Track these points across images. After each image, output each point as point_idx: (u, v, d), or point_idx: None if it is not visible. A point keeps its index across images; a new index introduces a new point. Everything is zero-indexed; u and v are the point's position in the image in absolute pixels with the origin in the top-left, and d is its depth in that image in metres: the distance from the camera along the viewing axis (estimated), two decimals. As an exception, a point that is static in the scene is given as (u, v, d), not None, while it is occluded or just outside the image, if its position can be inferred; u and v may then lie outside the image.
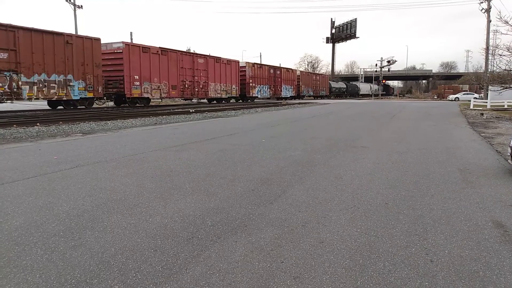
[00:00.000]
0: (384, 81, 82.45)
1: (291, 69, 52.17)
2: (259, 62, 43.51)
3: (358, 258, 2.89)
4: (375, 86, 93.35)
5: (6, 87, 18.05)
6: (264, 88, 43.43)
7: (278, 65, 49.64)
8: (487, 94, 31.17)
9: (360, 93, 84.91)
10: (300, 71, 56.47)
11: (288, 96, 49.86)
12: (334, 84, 72.79)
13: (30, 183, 5.05)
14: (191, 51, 43.05)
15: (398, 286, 2.49)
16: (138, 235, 3.30)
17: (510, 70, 21.76)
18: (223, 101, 36.56)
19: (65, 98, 21.22)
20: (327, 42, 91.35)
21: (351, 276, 2.61)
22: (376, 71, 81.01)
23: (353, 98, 73.92)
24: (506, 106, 27.36)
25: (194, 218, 3.75)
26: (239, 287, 2.47)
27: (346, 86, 78.05)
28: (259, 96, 42.63)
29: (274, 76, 45.96)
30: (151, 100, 28.45)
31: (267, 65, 44.99)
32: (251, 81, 40.66)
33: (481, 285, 2.51)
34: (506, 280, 2.57)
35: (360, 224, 3.60)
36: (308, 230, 3.46)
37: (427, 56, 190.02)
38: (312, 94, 58.98)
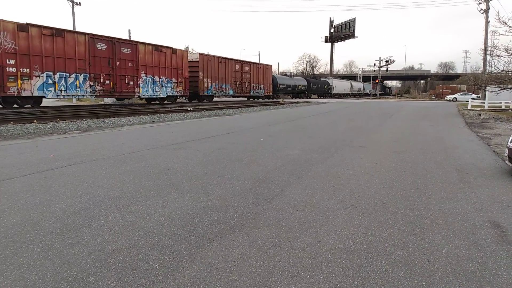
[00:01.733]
0: (377, 81, 78.76)
1: (169, 47, 28.11)
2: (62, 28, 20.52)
3: (356, 257, 2.89)
4: (359, 85, 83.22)
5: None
6: (73, 80, 21.01)
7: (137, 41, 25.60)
8: (485, 94, 31.25)
9: (334, 92, 69.81)
10: (201, 54, 32.84)
11: (163, 96, 28.11)
12: (283, 80, 52.46)
13: (27, 180, 5.03)
14: (190, 49, 42.87)
15: (395, 285, 2.49)
16: (135, 233, 3.29)
17: (508, 71, 21.80)
18: None
19: None
20: (326, 41, 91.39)
21: (348, 276, 2.61)
22: (374, 70, 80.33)
23: (322, 98, 61.17)
24: (503, 107, 27.45)
25: (192, 216, 3.74)
26: (236, 285, 2.46)
27: (308, 83, 59.89)
28: (49, 96, 20.57)
29: (114, 58, 23.41)
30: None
31: (90, 35, 21.87)
32: (12, 62, 18.25)
33: (478, 285, 2.51)
34: (503, 280, 2.58)
35: (358, 224, 3.61)
36: (305, 229, 3.46)
37: (425, 56, 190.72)
38: (232, 93, 37.58)
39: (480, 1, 36.91)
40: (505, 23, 19.15)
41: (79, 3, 40.37)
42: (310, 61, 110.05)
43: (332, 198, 4.44)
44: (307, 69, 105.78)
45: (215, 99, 37.21)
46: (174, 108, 22.06)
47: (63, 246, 2.99)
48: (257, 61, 44.94)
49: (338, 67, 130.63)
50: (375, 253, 2.96)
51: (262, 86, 43.48)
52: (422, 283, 2.52)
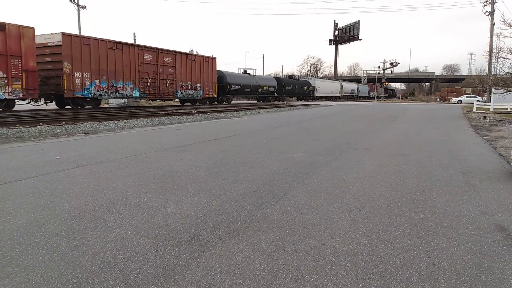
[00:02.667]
0: (387, 83, 77.37)
1: None
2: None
3: (360, 260, 2.88)
4: (352, 86, 75.08)
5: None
6: None
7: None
8: (490, 97, 31.09)
9: (318, 94, 60.07)
10: (66, 35, 21.46)
11: None
12: (236, 79, 39.48)
13: (33, 183, 5.06)
14: (194, 52, 42.48)
15: (400, 289, 2.48)
16: (139, 235, 3.30)
17: (514, 73, 21.68)
18: None
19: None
20: (330, 44, 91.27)
21: (353, 279, 2.60)
22: (379, 73, 79.85)
23: (302, 101, 51.83)
24: (509, 109, 27.26)
25: (196, 219, 3.75)
26: (240, 288, 2.46)
27: (280, 83, 48.43)
28: None
29: None
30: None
31: None
32: None
33: (484, 289, 2.49)
34: (509, 284, 2.56)
35: (362, 227, 3.59)
36: (309, 232, 3.45)
37: (430, 58, 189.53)
38: (138, 94, 26.12)
39: (485, 4, 36.81)
40: (511, 25, 19.08)
41: (85, 6, 40.69)
42: (314, 63, 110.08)
43: (337, 201, 4.43)
44: (312, 71, 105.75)
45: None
46: (178, 111, 22.14)
47: (68, 249, 3.00)
48: (201, 53, 32.06)
49: (343, 69, 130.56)
50: (379, 256, 2.95)
51: (198, 85, 31.37)
52: (427, 286, 2.51)
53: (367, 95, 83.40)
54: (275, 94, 47.88)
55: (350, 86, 74.59)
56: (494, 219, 3.86)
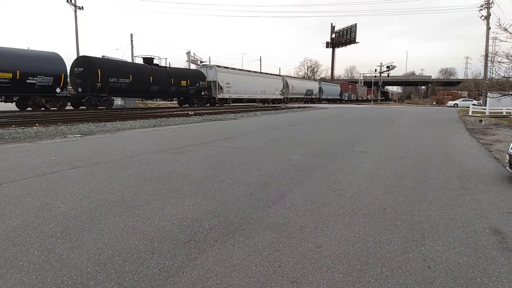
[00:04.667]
0: (383, 86, 76.80)
1: None
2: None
3: (356, 263, 2.88)
4: (309, 85, 55.81)
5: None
6: None
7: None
8: (486, 101, 31.28)
9: (228, 96, 37.19)
10: None
11: None
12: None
13: (28, 184, 5.04)
14: (192, 54, 42.14)
15: (395, 292, 2.49)
16: (135, 237, 3.29)
17: (509, 77, 21.85)
18: None
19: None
20: (327, 46, 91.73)
21: (348, 281, 2.60)
22: (375, 76, 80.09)
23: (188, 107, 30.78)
24: (504, 113, 27.44)
25: (192, 221, 3.74)
26: (236, 291, 2.46)
27: (91, 70, 23.97)
28: None
29: None
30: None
31: None
32: None
33: (478, 292, 2.50)
34: (503, 287, 2.57)
35: (358, 229, 3.60)
36: (305, 234, 3.46)
37: (427, 62, 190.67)
38: None
39: (481, 8, 37.11)
40: (506, 30, 19.23)
41: (82, 7, 40.61)
42: (311, 66, 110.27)
43: (333, 204, 4.43)
44: (308, 74, 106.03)
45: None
46: (175, 113, 22.12)
47: (63, 250, 2.99)
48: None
49: (339, 72, 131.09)
50: (375, 259, 2.95)
51: None
52: (422, 289, 2.51)
53: (339, 97, 69.90)
54: (55, 91, 22.26)
55: (303, 85, 53.39)
56: (489, 222, 3.88)
